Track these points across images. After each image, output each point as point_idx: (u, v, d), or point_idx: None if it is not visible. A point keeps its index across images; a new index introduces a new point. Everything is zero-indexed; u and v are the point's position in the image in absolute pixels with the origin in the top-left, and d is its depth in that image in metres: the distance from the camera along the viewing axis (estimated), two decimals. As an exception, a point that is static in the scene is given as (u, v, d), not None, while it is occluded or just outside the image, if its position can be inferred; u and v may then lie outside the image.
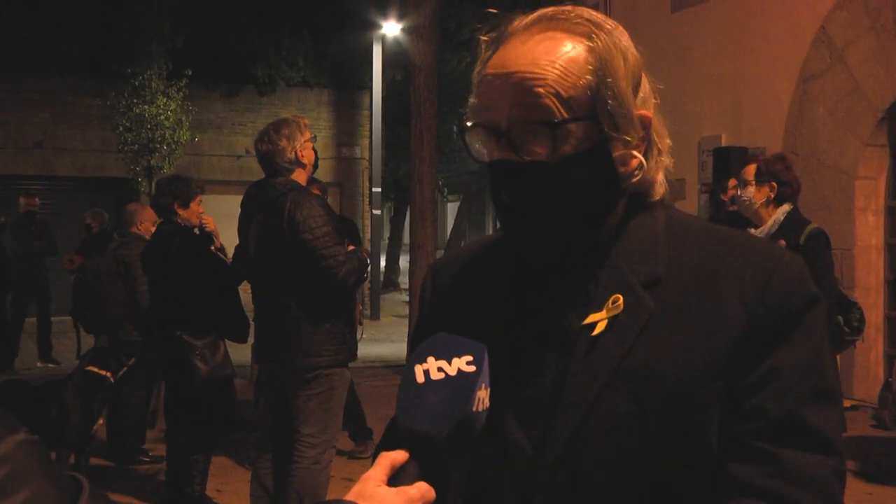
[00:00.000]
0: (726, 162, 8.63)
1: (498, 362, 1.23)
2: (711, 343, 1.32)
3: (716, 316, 1.33)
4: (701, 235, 1.42)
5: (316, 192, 6.37)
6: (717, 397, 1.30)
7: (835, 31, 9.48)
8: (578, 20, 1.37)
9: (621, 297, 1.35)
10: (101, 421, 6.01)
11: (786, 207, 5.53)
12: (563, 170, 1.34)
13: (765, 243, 1.45)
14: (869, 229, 9.42)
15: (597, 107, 1.34)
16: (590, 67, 1.33)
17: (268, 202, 4.81)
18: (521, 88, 1.33)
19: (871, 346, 9.43)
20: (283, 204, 4.71)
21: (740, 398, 1.30)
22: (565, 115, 1.32)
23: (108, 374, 5.95)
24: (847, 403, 8.88)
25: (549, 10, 1.39)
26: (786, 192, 5.56)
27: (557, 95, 1.32)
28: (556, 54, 1.34)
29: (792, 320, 1.32)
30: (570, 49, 1.34)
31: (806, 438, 1.29)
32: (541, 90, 1.32)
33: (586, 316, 1.36)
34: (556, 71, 1.32)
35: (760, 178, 5.56)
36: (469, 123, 1.41)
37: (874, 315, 9.44)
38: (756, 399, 1.30)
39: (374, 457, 1.54)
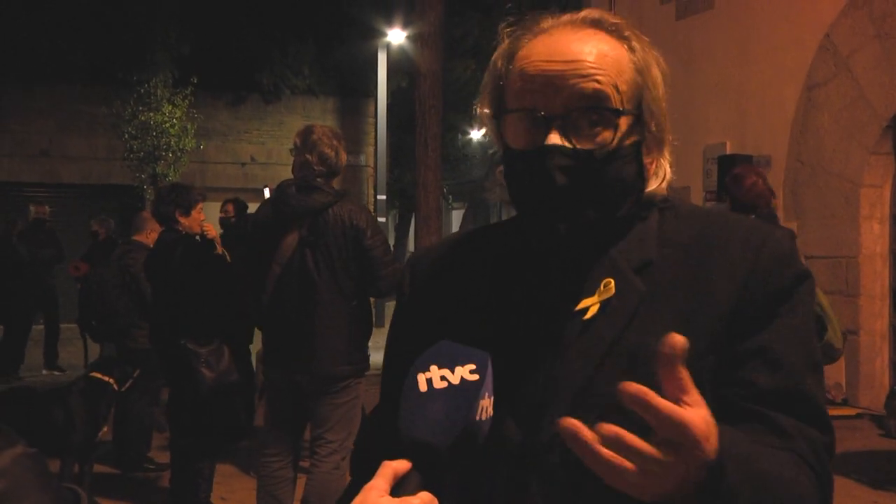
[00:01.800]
0: (731, 170, 8.60)
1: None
2: (703, 321, 1.34)
3: (707, 294, 1.35)
4: (692, 218, 1.46)
5: None
6: (709, 373, 1.32)
7: (840, 39, 9.48)
8: (615, 26, 1.42)
9: (612, 282, 1.37)
10: (105, 429, 6.00)
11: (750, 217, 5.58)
12: (612, 162, 1.37)
13: (754, 221, 1.48)
14: (874, 237, 9.41)
15: (643, 105, 1.39)
16: (634, 67, 1.39)
17: (318, 207, 4.73)
18: (583, 75, 1.36)
19: (877, 354, 9.41)
20: (342, 210, 4.71)
21: (731, 367, 1.33)
22: (625, 107, 1.36)
23: (112, 381, 5.94)
24: (852, 412, 8.87)
25: (590, 12, 1.44)
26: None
27: (615, 87, 1.36)
28: (607, 51, 1.38)
29: (782, 296, 1.35)
30: (617, 48, 1.39)
31: (802, 408, 1.32)
32: (603, 79, 1.35)
33: (578, 302, 1.38)
34: (612, 64, 1.37)
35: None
36: (489, 108, 1.45)
37: (879, 323, 9.43)
38: (747, 370, 1.32)
39: (354, 454, 1.54)
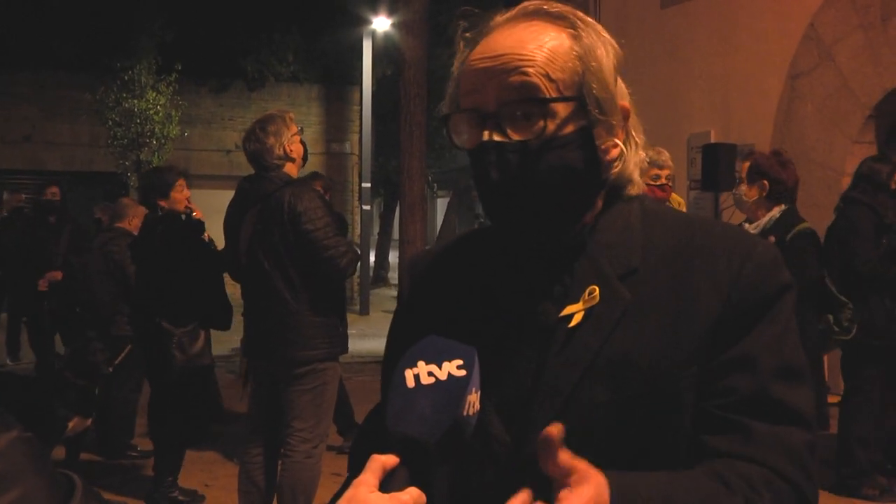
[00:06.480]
0: (715, 159, 8.65)
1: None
2: (686, 330, 1.35)
3: (691, 303, 1.36)
4: (676, 225, 1.45)
5: (318, 187, 6.43)
6: (692, 382, 1.34)
7: (823, 29, 9.51)
8: (558, 12, 1.42)
9: (597, 289, 1.37)
10: (74, 419, 5.96)
11: (783, 206, 5.54)
12: (551, 150, 1.36)
13: (739, 231, 1.48)
14: (856, 226, 9.44)
15: (583, 90, 1.37)
16: (574, 54, 1.38)
17: (264, 195, 4.80)
18: (510, 69, 1.36)
19: (858, 342, 9.45)
20: (283, 196, 4.72)
21: (712, 378, 1.34)
22: (554, 94, 1.36)
23: (85, 382, 5.92)
24: (832, 399, 8.91)
25: (531, 4, 1.44)
26: (778, 189, 5.53)
27: (546, 76, 1.36)
28: (542, 40, 1.38)
29: (764, 306, 1.36)
30: (555, 36, 1.39)
31: (777, 412, 1.33)
32: (530, 70, 1.35)
33: (563, 308, 1.38)
34: (543, 53, 1.37)
35: (751, 177, 5.54)
36: (447, 111, 1.45)
37: (861, 311, 9.47)
38: (727, 379, 1.34)
39: (353, 451, 1.55)
